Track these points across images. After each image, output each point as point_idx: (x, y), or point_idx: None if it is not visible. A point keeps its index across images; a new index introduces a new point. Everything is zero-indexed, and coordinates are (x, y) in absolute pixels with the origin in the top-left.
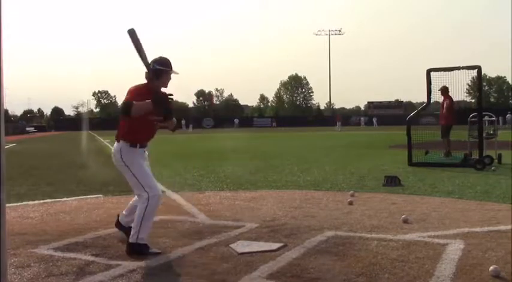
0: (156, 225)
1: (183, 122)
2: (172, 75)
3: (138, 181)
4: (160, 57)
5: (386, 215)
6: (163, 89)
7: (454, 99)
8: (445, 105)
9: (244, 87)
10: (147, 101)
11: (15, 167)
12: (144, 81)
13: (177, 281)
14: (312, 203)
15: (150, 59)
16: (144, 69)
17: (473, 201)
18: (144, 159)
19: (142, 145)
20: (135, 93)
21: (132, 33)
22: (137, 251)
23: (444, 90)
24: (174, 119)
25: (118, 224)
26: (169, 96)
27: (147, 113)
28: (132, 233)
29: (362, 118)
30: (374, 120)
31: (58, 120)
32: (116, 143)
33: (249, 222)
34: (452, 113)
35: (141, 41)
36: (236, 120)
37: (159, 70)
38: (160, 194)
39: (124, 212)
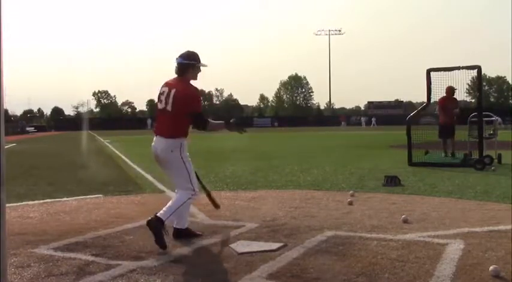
0: None
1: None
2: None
3: (190, 176)
4: (187, 51)
5: (387, 215)
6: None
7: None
8: (444, 105)
9: (244, 87)
10: (220, 122)
11: (15, 167)
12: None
13: (177, 281)
14: (312, 203)
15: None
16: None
17: (473, 201)
18: None
19: None
20: (199, 99)
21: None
22: (159, 227)
23: (451, 91)
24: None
25: (176, 234)
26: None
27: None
28: (164, 211)
29: (363, 118)
30: (373, 120)
31: (58, 120)
32: (164, 139)
33: (249, 222)
34: (453, 114)
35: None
36: (233, 120)
37: (185, 64)
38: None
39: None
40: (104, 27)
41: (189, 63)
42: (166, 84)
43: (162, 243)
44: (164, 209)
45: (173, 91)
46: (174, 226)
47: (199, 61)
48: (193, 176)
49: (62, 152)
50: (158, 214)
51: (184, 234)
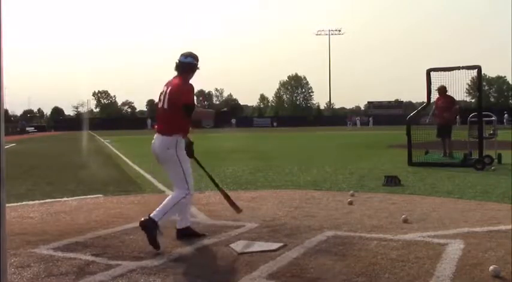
0: None
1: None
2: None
3: (185, 175)
4: (191, 52)
5: (387, 215)
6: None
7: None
8: (439, 104)
9: (244, 87)
10: (209, 110)
11: (15, 167)
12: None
13: (177, 281)
14: (312, 203)
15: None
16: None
17: (473, 201)
18: None
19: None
20: (191, 92)
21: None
22: (151, 227)
23: (442, 90)
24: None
25: (179, 234)
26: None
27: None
28: (157, 211)
29: (358, 119)
30: (370, 119)
31: (58, 120)
32: (161, 136)
33: (249, 222)
34: (453, 113)
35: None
36: (233, 121)
37: (192, 64)
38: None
39: (178, 218)
40: (104, 27)
41: (194, 64)
42: (166, 84)
43: (155, 243)
44: (157, 209)
45: (169, 89)
46: (177, 227)
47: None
48: (189, 175)
49: (62, 152)
50: (151, 215)
51: (186, 234)
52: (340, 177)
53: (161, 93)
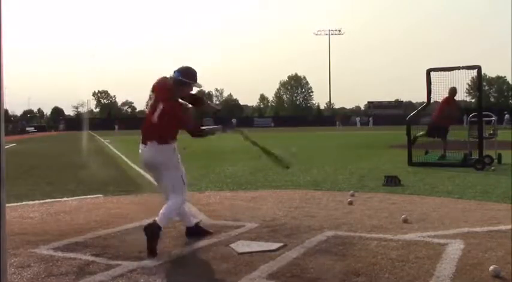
0: None
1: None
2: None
3: (184, 182)
4: (188, 68)
5: (387, 215)
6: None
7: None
8: (443, 106)
9: (244, 87)
10: (216, 127)
11: (15, 167)
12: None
13: (177, 281)
14: (312, 203)
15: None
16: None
17: (473, 201)
18: None
19: None
20: (189, 118)
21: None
22: (155, 233)
23: (454, 93)
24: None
25: (188, 233)
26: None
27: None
28: (162, 215)
29: (357, 119)
30: (370, 119)
31: (58, 120)
32: (158, 144)
33: (249, 222)
34: (450, 115)
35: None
36: (234, 121)
37: (183, 82)
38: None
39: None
40: (104, 27)
41: (186, 82)
42: (154, 89)
43: (154, 250)
44: (161, 212)
45: (160, 106)
46: (186, 225)
47: (196, 80)
48: (185, 179)
49: (62, 152)
50: (157, 220)
51: (195, 232)
52: (340, 177)
53: (150, 98)
